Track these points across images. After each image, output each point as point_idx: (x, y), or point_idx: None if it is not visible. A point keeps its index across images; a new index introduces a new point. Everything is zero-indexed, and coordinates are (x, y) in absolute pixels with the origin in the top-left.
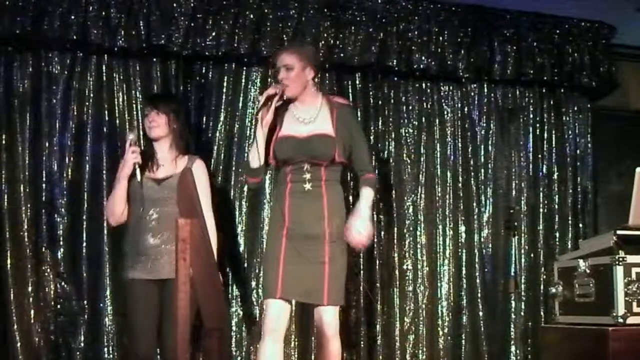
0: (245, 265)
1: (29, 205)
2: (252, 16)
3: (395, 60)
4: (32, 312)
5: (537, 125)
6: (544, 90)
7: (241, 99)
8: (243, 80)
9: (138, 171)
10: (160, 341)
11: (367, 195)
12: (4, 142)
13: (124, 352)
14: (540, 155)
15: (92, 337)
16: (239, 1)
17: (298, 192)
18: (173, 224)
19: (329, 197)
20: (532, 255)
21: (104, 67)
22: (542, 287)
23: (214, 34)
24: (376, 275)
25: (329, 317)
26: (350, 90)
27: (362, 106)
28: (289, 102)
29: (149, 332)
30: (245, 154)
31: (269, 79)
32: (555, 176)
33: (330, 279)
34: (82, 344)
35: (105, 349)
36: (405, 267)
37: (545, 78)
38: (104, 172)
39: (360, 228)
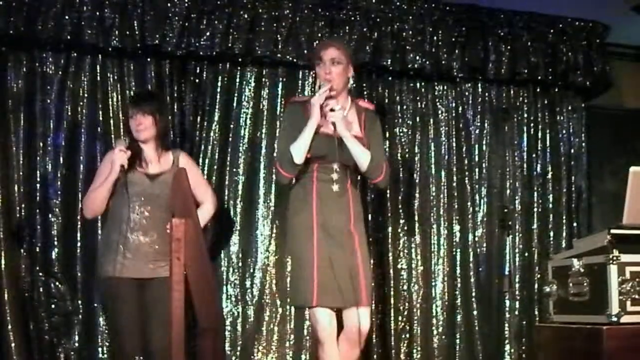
0: (240, 264)
1: (23, 205)
2: (246, 16)
3: (389, 60)
4: (27, 312)
5: (532, 124)
6: (538, 90)
7: (235, 98)
8: (237, 80)
9: (122, 174)
10: (146, 342)
11: (362, 146)
12: None
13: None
14: (534, 155)
15: (87, 337)
16: (233, 1)
17: (326, 192)
18: (163, 224)
19: (354, 200)
20: (526, 254)
21: (98, 67)
22: (536, 286)
23: (208, 34)
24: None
25: (365, 319)
26: None
27: None
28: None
29: (135, 330)
30: (240, 153)
31: (262, 79)
32: (549, 175)
33: (367, 280)
34: (77, 344)
35: (100, 349)
36: (399, 266)
37: (539, 77)
38: None
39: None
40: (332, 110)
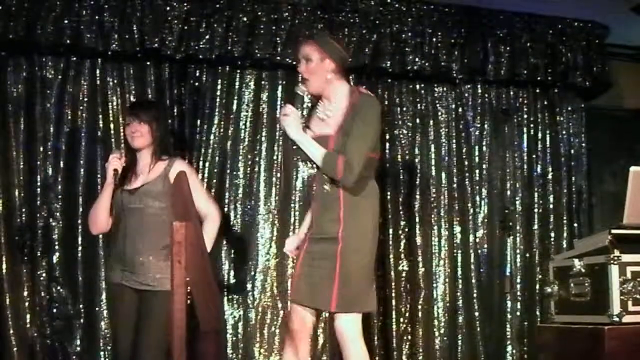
0: (241, 267)
1: (24, 210)
2: (245, 19)
3: (389, 62)
4: (28, 316)
5: (531, 125)
6: (537, 91)
7: (235, 101)
8: (237, 83)
9: (117, 179)
10: (132, 351)
11: (317, 146)
12: None
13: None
14: (534, 156)
15: (88, 341)
16: (232, 4)
17: (320, 193)
18: (148, 234)
19: (345, 199)
20: (527, 255)
21: (97, 71)
22: (537, 286)
23: (207, 37)
24: None
25: (339, 322)
26: None
27: None
28: (318, 100)
29: (128, 336)
30: (240, 157)
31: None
32: (549, 176)
33: (340, 285)
34: (78, 348)
35: (102, 353)
36: (400, 268)
37: (539, 78)
38: (99, 176)
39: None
40: (285, 115)
